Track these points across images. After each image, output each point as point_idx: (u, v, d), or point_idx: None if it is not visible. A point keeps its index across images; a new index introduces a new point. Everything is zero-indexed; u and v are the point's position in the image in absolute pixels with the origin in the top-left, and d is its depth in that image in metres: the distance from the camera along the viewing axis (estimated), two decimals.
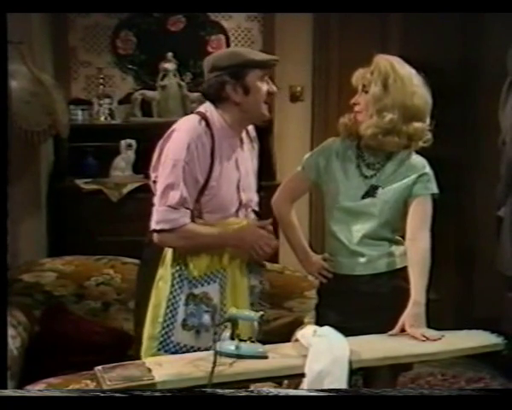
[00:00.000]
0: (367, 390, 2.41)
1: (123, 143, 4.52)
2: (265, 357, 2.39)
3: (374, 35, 4.99)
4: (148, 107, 4.64)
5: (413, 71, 2.77)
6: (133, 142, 4.51)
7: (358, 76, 2.79)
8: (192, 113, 2.92)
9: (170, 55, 4.63)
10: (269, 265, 3.70)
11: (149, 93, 4.64)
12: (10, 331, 3.21)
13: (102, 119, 4.61)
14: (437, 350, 2.53)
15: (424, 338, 2.54)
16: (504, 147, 4.26)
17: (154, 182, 2.80)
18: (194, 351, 2.68)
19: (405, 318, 2.59)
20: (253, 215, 2.89)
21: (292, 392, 2.12)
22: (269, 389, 2.08)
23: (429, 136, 2.78)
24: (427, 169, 2.78)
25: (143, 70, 4.76)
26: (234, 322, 2.41)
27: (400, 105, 2.70)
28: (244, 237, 2.77)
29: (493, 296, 4.75)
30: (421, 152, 2.82)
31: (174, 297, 2.75)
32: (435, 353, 2.54)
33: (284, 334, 3.02)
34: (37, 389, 3.04)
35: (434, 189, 2.77)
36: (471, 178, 5.26)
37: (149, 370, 2.28)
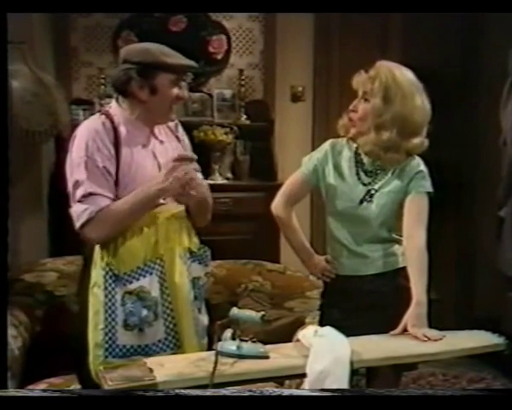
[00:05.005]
0: (370, 390, 2.42)
1: None
2: (267, 357, 2.38)
3: (374, 35, 5.00)
4: None
5: (414, 81, 2.73)
6: None
7: (359, 81, 2.75)
8: None
9: None
10: (270, 265, 3.72)
11: None
12: (11, 331, 3.21)
13: None
14: (438, 350, 2.53)
15: (426, 338, 2.54)
16: (505, 147, 4.27)
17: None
18: (142, 349, 2.64)
19: (407, 318, 2.59)
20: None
21: (295, 392, 2.12)
22: (272, 389, 2.08)
23: (426, 143, 2.76)
24: (422, 167, 2.77)
25: None
26: (235, 322, 2.41)
27: (400, 122, 2.67)
28: (162, 175, 2.64)
29: (494, 296, 4.77)
30: (421, 153, 2.81)
31: (110, 300, 2.65)
32: (436, 353, 2.54)
33: (285, 334, 3.02)
34: (38, 389, 3.04)
35: (429, 187, 2.75)
36: (472, 178, 5.27)
37: (151, 370, 2.27)
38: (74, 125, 4.36)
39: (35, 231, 4.29)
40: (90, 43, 4.86)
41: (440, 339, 2.56)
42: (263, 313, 2.43)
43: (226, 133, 4.78)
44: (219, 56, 4.96)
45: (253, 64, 5.04)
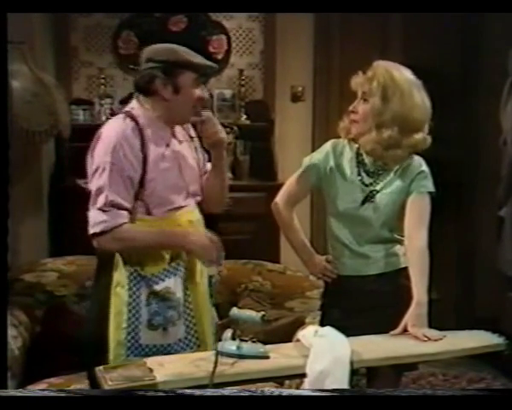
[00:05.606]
0: (370, 390, 2.41)
1: None
2: (267, 357, 2.38)
3: (374, 35, 5.00)
4: None
5: (412, 79, 2.73)
6: None
7: (358, 82, 2.75)
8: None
9: None
10: (270, 265, 3.72)
11: None
12: (12, 331, 3.22)
13: (104, 119, 4.61)
14: (438, 350, 2.53)
15: (426, 338, 2.54)
16: (505, 147, 4.27)
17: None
18: (165, 348, 2.65)
19: (408, 318, 2.59)
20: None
21: (295, 392, 2.12)
22: (272, 389, 2.08)
23: (429, 140, 2.77)
24: (424, 167, 2.77)
25: None
26: (235, 322, 2.41)
27: (400, 120, 2.68)
28: (186, 235, 2.71)
29: (494, 296, 4.76)
30: (422, 152, 2.81)
31: (134, 300, 2.67)
32: (436, 353, 2.54)
33: (285, 334, 3.02)
34: (38, 389, 3.04)
35: (431, 187, 2.75)
36: (472, 178, 5.27)
37: (151, 370, 2.28)
38: (74, 125, 4.42)
39: (35, 231, 4.29)
40: (90, 43, 4.86)
41: (440, 339, 2.56)
42: (263, 313, 2.43)
43: (226, 133, 4.77)
44: (219, 56, 4.95)
45: (253, 64, 5.04)
